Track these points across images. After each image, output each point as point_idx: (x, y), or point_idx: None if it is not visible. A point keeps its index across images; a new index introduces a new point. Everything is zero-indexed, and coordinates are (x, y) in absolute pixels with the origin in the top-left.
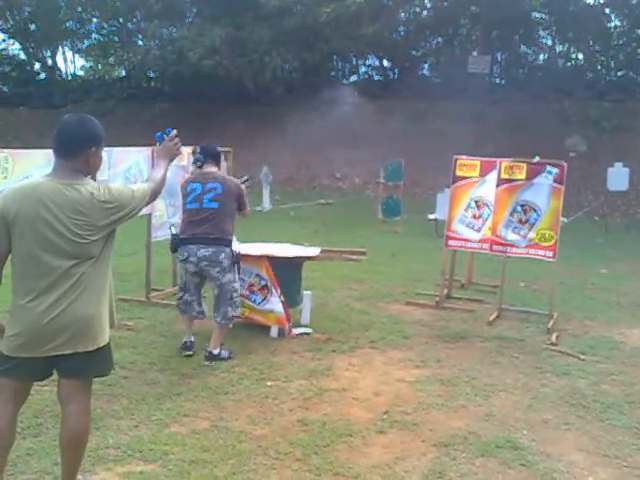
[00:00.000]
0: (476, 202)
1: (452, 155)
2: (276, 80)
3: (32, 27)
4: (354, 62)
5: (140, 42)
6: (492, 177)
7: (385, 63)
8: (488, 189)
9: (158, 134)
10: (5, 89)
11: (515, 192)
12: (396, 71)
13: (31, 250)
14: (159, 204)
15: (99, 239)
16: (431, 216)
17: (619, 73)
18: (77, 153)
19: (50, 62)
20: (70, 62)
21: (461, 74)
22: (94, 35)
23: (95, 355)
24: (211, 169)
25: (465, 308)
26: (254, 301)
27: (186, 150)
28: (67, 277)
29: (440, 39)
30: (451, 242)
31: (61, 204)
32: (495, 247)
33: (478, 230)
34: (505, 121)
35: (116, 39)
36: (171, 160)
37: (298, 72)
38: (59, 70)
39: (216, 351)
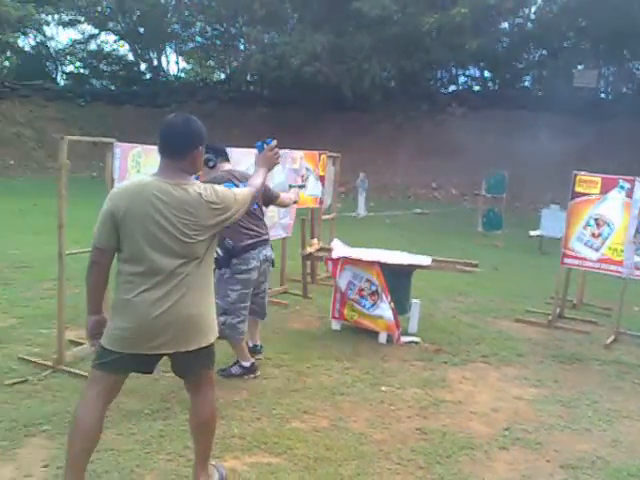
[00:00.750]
0: (596, 220)
1: (555, 169)
2: (374, 87)
3: (141, 30)
4: (453, 72)
5: (241, 46)
6: (614, 195)
7: (486, 74)
8: (609, 207)
9: (258, 143)
10: (113, 88)
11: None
12: (497, 82)
13: (140, 248)
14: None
15: (205, 240)
16: (533, 232)
17: None
18: (184, 153)
19: (155, 63)
20: (174, 63)
21: (565, 87)
22: (197, 38)
23: (197, 352)
24: (228, 166)
25: (579, 329)
26: (363, 305)
27: (298, 153)
28: (173, 276)
29: (544, 51)
30: (567, 260)
31: (170, 204)
32: (612, 267)
33: (597, 249)
34: (613, 137)
35: (218, 42)
36: (269, 169)
37: (396, 80)
38: (163, 71)
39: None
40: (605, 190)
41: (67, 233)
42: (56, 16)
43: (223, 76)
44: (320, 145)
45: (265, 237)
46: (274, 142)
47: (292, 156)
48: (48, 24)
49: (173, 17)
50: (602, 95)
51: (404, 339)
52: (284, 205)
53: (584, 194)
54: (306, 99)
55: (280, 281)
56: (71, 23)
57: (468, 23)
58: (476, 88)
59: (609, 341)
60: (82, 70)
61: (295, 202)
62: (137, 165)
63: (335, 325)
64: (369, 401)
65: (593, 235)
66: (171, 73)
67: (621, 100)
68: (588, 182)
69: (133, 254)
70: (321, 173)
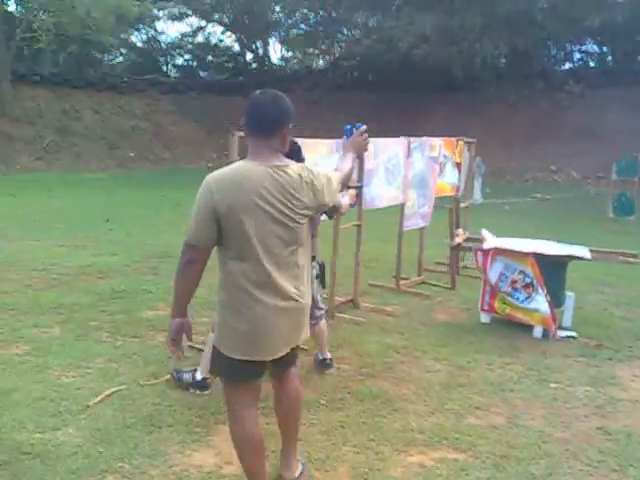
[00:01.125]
0: None
1: None
2: (485, 67)
3: (246, 20)
4: (568, 48)
5: (345, 32)
6: None
7: (604, 49)
8: None
9: (347, 128)
10: (221, 79)
11: None
12: (616, 57)
13: (249, 241)
14: (411, 194)
15: (305, 224)
16: None
17: None
18: (276, 131)
19: (261, 52)
20: (278, 52)
21: None
22: (301, 26)
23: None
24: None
25: None
26: (517, 298)
27: (437, 141)
28: (287, 267)
29: None
30: None
31: (275, 190)
32: None
33: None
34: None
35: (320, 29)
36: (358, 155)
37: (508, 58)
38: (269, 60)
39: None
40: None
41: None
42: (166, 10)
43: (324, 63)
44: (429, 129)
45: None
46: (364, 127)
47: (431, 143)
48: (159, 19)
49: (277, 5)
50: None
51: (560, 333)
52: (341, 214)
53: None
54: (413, 82)
55: (417, 271)
56: (180, 17)
57: None
58: (593, 64)
59: None
60: (191, 63)
61: (352, 206)
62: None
63: (484, 318)
64: (541, 398)
65: None
66: (275, 62)
67: None
68: None
69: (243, 249)
70: (457, 160)
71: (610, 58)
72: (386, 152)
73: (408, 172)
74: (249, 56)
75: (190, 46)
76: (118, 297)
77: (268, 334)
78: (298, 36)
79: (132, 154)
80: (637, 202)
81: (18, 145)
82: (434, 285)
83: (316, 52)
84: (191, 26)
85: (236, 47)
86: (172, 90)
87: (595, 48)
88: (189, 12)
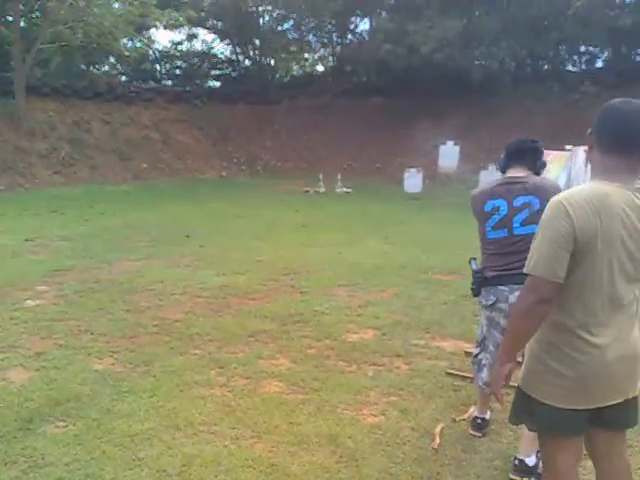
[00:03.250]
0: None
1: None
2: (503, 70)
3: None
4: (582, 49)
5: (349, 36)
6: None
7: (623, 51)
8: None
9: None
10: (225, 87)
11: None
12: (631, 58)
13: (600, 275)
14: None
15: None
16: None
17: None
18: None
19: (258, 59)
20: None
21: None
22: (293, 33)
23: (635, 401)
24: (518, 173)
25: None
26: None
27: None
28: (629, 307)
29: None
30: None
31: (636, 218)
32: None
33: None
34: None
35: (311, 36)
36: None
37: (526, 61)
38: (269, 67)
39: (531, 461)
40: None
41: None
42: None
43: (323, 68)
44: (443, 132)
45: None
46: None
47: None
48: (157, 27)
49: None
50: None
51: None
52: None
53: None
54: (430, 87)
55: None
56: (175, 25)
57: None
58: (607, 65)
59: None
60: (188, 71)
61: None
62: (546, 172)
63: None
64: None
65: None
66: (278, 69)
67: None
68: None
69: (584, 284)
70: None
71: (625, 60)
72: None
73: (586, 180)
74: (247, 63)
75: (184, 54)
76: (300, 320)
77: (601, 382)
78: (293, 41)
79: (145, 165)
80: None
81: (33, 159)
82: None
83: (316, 58)
84: (187, 34)
85: (234, 56)
86: (177, 99)
87: (610, 50)
88: (181, 19)
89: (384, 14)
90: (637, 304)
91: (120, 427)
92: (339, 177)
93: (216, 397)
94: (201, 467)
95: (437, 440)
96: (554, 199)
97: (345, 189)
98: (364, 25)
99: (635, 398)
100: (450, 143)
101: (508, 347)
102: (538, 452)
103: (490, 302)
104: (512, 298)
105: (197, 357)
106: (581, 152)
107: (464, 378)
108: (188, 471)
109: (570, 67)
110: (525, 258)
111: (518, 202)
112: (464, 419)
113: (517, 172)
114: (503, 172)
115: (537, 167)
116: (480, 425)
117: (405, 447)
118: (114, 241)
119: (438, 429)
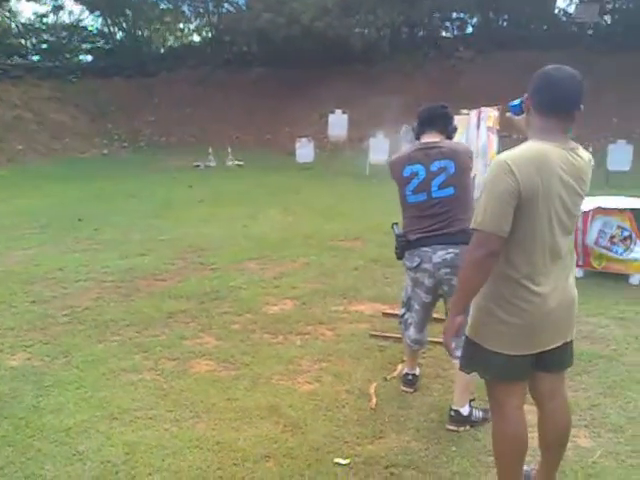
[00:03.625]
0: None
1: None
2: (381, 38)
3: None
4: (455, 16)
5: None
6: None
7: (492, 17)
8: None
9: (514, 104)
10: (99, 61)
11: None
12: (501, 24)
13: (541, 230)
14: (477, 164)
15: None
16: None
17: None
18: (574, 112)
19: (132, 31)
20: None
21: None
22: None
23: (571, 343)
24: (433, 139)
25: None
26: (615, 252)
27: (493, 111)
28: (564, 257)
29: None
30: None
31: (570, 174)
32: None
33: None
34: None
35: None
36: None
37: (402, 29)
38: (143, 39)
39: (465, 411)
40: None
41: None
42: None
43: (200, 39)
44: (328, 101)
45: (447, 233)
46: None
47: (488, 114)
48: None
49: None
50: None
51: None
52: None
53: None
54: (311, 56)
55: None
56: None
57: None
58: (477, 31)
59: None
60: (58, 45)
61: None
62: None
63: (578, 273)
64: None
65: None
66: (154, 41)
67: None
68: None
69: (527, 237)
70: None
71: (497, 24)
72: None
73: (478, 142)
74: (119, 35)
75: (47, 27)
76: (217, 297)
77: (545, 327)
78: (166, 11)
79: (20, 147)
80: None
81: None
82: None
83: (192, 27)
84: (53, 6)
85: (101, 26)
86: (49, 75)
87: (479, 16)
88: None
89: None
90: (570, 255)
91: (51, 423)
92: (229, 150)
93: (147, 382)
94: (146, 453)
95: (374, 400)
96: (498, 158)
97: (237, 162)
98: None
99: (571, 341)
100: (339, 112)
101: (460, 300)
102: (471, 401)
103: (415, 264)
104: (435, 258)
105: (118, 343)
106: (473, 116)
107: (387, 338)
108: (134, 458)
109: (444, 33)
110: (444, 219)
111: (435, 166)
112: (394, 377)
113: (431, 137)
114: (417, 138)
115: (449, 132)
116: (411, 381)
117: (345, 410)
118: (0, 230)
119: (372, 389)
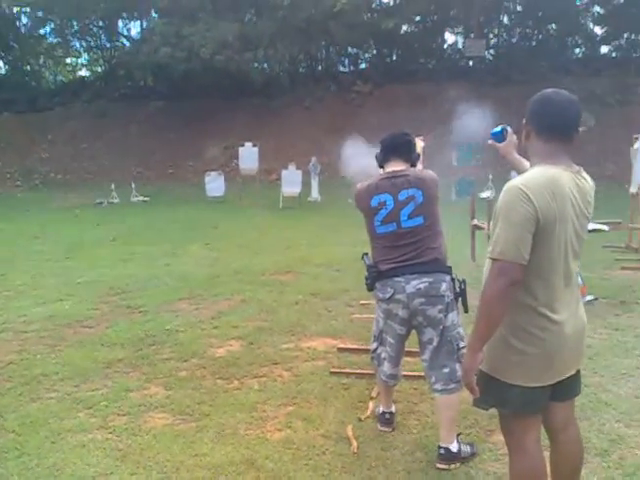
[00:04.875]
0: None
1: None
2: (282, 72)
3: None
4: (354, 52)
5: (123, 40)
6: None
7: (385, 52)
8: None
9: (496, 132)
10: None
11: None
12: (395, 59)
13: (554, 256)
14: None
15: None
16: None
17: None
18: (574, 134)
19: (20, 65)
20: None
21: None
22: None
23: (579, 370)
24: (398, 167)
25: None
26: None
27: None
28: (575, 282)
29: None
30: None
31: (579, 198)
32: None
33: None
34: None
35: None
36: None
37: (302, 63)
38: (31, 73)
39: (454, 447)
40: None
41: None
42: None
43: (94, 73)
44: (231, 134)
45: (420, 262)
46: (509, 128)
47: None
48: None
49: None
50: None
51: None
52: None
53: None
54: (213, 89)
55: None
56: None
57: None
58: (372, 66)
59: None
60: None
61: None
62: None
63: None
64: None
65: None
66: (43, 75)
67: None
68: None
69: (544, 264)
70: None
71: (388, 59)
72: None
73: None
74: (5, 69)
75: None
76: (155, 342)
77: (562, 356)
78: (57, 44)
79: None
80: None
81: None
82: None
83: (84, 61)
84: None
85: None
86: None
87: (375, 51)
88: None
89: (156, 17)
90: (576, 278)
91: None
92: (133, 185)
93: (99, 442)
94: None
95: (354, 443)
96: (511, 185)
97: (142, 197)
98: (136, 28)
99: (577, 371)
100: (249, 144)
101: (481, 334)
102: (458, 436)
103: (388, 295)
104: (409, 288)
105: (55, 400)
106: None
107: (348, 375)
108: None
109: (341, 68)
110: (416, 249)
111: (403, 195)
112: (368, 416)
113: (396, 166)
114: (381, 167)
115: (413, 159)
116: (389, 420)
117: (326, 457)
118: None
119: (350, 432)
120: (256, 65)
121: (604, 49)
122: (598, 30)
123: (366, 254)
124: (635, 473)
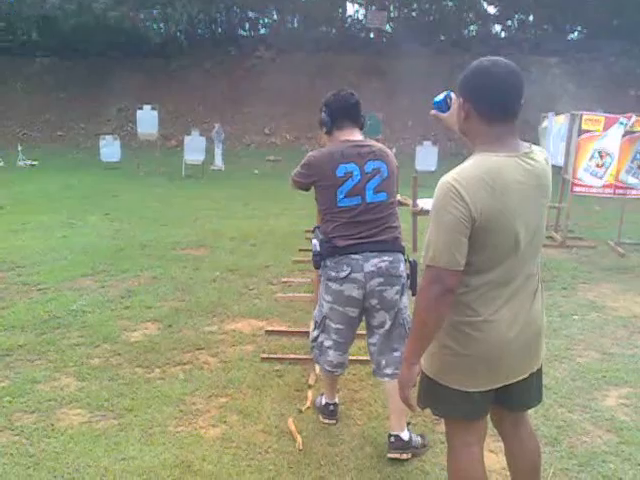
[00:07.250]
0: (599, 153)
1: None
2: (180, 33)
3: None
4: (252, 15)
5: None
6: (614, 130)
7: (288, 18)
8: (610, 141)
9: (438, 101)
10: None
11: (635, 142)
12: (300, 25)
13: (500, 253)
14: None
15: None
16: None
17: None
18: (519, 111)
19: None
20: None
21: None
22: None
23: (538, 376)
24: (356, 136)
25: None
26: None
27: None
28: (527, 281)
29: None
30: (576, 189)
31: (529, 184)
32: (618, 191)
33: (601, 177)
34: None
35: None
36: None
37: (202, 25)
38: None
39: (405, 435)
40: (608, 127)
41: None
42: None
43: None
44: (126, 96)
45: (379, 239)
46: (453, 94)
47: None
48: None
49: None
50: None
51: None
52: None
53: (589, 131)
54: (101, 47)
55: None
56: None
57: None
58: (273, 31)
59: None
60: None
61: None
62: None
63: None
64: None
65: (597, 165)
66: None
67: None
68: (593, 121)
69: (485, 261)
70: None
71: (292, 26)
72: None
73: None
74: None
75: None
76: (60, 325)
77: (504, 360)
78: None
79: None
80: None
81: None
82: None
83: None
84: None
85: None
86: None
87: (277, 16)
88: None
89: None
90: (538, 279)
91: None
92: (20, 148)
93: (5, 447)
94: None
95: (299, 439)
96: (443, 181)
97: (30, 161)
98: None
99: (539, 375)
100: (147, 107)
101: (416, 347)
102: (408, 425)
103: (343, 273)
104: (367, 266)
105: None
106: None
107: (281, 360)
108: None
109: (242, 32)
110: (377, 226)
111: (369, 167)
112: (309, 407)
113: (354, 135)
114: (330, 133)
115: (361, 123)
116: (333, 412)
117: (270, 455)
118: None
119: (292, 426)
120: (153, 24)
121: (497, 27)
122: (491, 9)
123: (318, 227)
124: (589, 462)
